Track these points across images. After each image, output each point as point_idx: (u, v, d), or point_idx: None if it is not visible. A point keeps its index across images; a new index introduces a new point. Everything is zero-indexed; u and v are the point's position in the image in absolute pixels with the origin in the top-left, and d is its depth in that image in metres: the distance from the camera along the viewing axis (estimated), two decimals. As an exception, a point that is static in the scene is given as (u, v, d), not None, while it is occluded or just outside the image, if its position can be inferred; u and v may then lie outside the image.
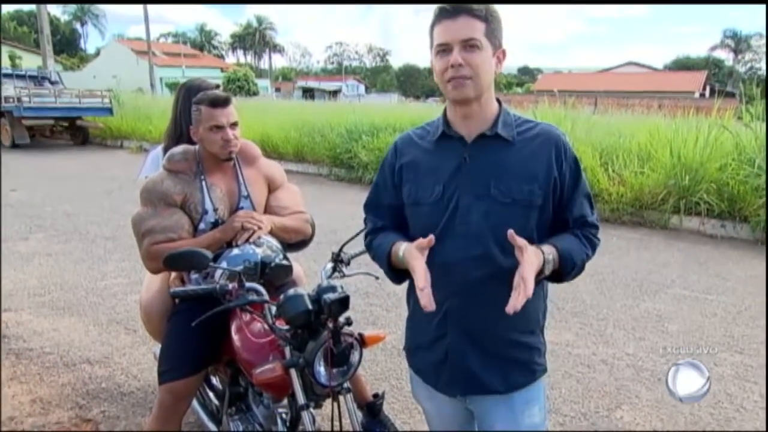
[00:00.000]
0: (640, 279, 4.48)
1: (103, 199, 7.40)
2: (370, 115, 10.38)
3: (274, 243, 1.87)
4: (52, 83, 14.88)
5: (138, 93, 19.35)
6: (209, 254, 1.56)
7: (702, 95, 29.36)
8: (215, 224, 1.88)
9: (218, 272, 1.70)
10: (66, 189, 8.12)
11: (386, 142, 8.69)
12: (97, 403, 2.63)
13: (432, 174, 1.27)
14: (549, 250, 1.19)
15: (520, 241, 1.12)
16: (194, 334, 1.62)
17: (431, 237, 1.18)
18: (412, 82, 69.68)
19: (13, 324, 3.49)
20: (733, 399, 2.72)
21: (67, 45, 64.77)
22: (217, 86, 2.16)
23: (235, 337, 1.72)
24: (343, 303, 1.42)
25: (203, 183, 1.89)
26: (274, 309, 1.53)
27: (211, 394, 2.21)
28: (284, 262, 1.80)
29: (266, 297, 1.55)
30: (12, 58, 36.07)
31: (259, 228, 1.85)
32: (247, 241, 1.81)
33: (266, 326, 1.59)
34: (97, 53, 52.02)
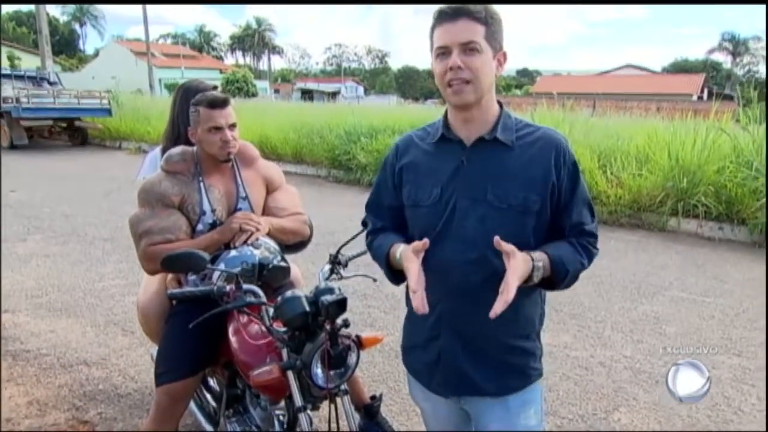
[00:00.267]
0: (638, 281, 4.48)
1: (101, 200, 7.39)
2: (369, 116, 10.39)
3: (272, 244, 1.87)
4: (50, 84, 14.86)
5: (137, 94, 19.35)
6: (207, 256, 1.55)
7: (700, 98, 29.48)
8: (213, 225, 1.88)
9: (216, 274, 1.70)
10: (64, 190, 8.11)
11: (385, 144, 8.70)
12: (94, 404, 2.63)
13: (431, 176, 1.27)
14: (539, 257, 1.18)
15: (507, 247, 1.12)
16: (191, 335, 1.62)
17: (426, 241, 1.18)
18: (411, 84, 69.75)
19: (10, 325, 3.48)
20: (730, 401, 2.72)
21: (66, 46, 64.74)
22: (215, 87, 2.16)
23: (232, 338, 1.72)
24: (341, 305, 1.42)
25: (201, 184, 1.89)
26: (271, 311, 1.53)
27: (208, 396, 2.20)
28: (282, 263, 1.81)
29: (264, 299, 1.55)
30: (11, 58, 36.05)
31: (257, 229, 1.85)
32: (245, 242, 1.81)
33: (263, 328, 1.58)
34: (96, 54, 52.02)
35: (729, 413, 2.64)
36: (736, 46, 57.53)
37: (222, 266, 1.69)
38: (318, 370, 1.47)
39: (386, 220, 1.40)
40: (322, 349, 1.45)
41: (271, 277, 1.76)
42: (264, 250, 1.80)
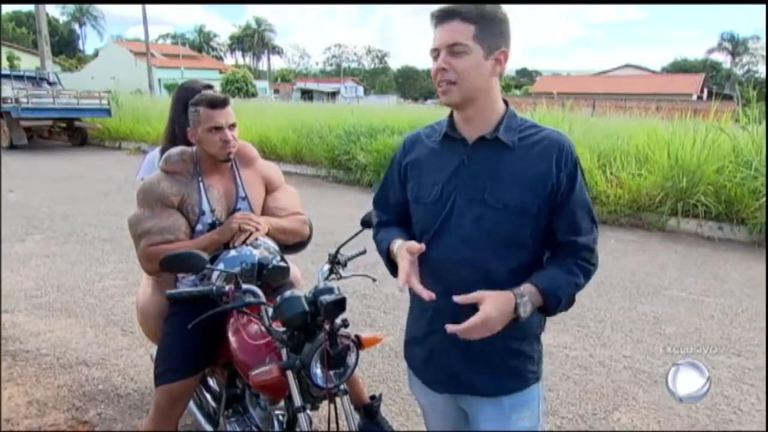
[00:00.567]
0: (637, 281, 4.48)
1: (101, 200, 7.39)
2: (369, 116, 10.39)
3: (272, 244, 1.87)
4: (50, 84, 14.86)
5: (136, 94, 19.34)
6: (206, 256, 1.55)
7: (699, 98, 29.49)
8: (212, 225, 1.88)
9: (215, 274, 1.70)
10: (64, 190, 8.11)
11: (384, 144, 8.70)
12: (93, 404, 2.63)
13: (433, 173, 1.28)
14: (525, 290, 1.18)
15: (473, 297, 1.15)
16: (191, 335, 1.62)
17: (422, 246, 1.21)
18: (410, 84, 69.77)
19: (10, 325, 3.47)
20: (730, 401, 2.72)
21: (66, 46, 64.75)
22: (209, 86, 2.15)
23: (231, 338, 1.72)
24: (340, 305, 1.42)
25: (200, 184, 1.88)
26: (270, 311, 1.53)
27: (208, 396, 2.20)
28: (281, 263, 1.80)
29: (263, 299, 1.55)
30: (10, 58, 36.05)
31: (257, 229, 1.84)
32: (244, 242, 1.81)
33: (263, 328, 1.59)
34: (96, 54, 52.00)
35: (728, 413, 2.64)
36: (736, 46, 57.57)
37: (221, 266, 1.69)
38: (317, 370, 1.47)
39: (392, 215, 1.43)
40: (321, 349, 1.45)
41: (271, 277, 1.75)
42: (263, 250, 1.80)
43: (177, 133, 2.13)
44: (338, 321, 1.45)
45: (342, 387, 1.56)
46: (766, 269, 4.56)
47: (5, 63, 31.20)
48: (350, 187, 8.84)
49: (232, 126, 1.86)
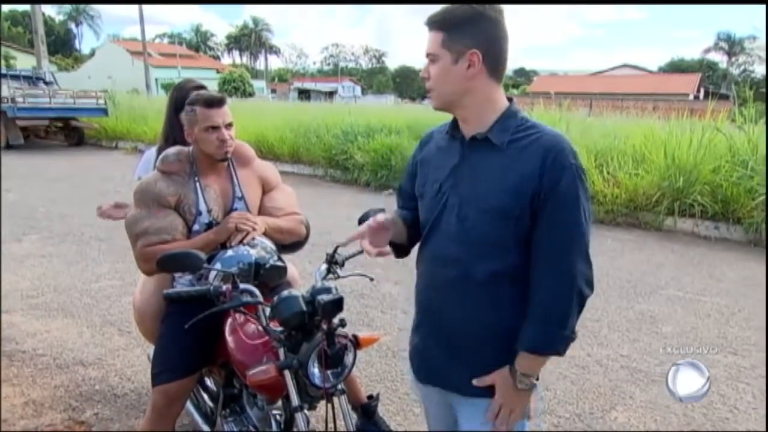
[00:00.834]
0: (634, 280, 4.50)
1: (97, 200, 7.34)
2: (366, 116, 10.38)
3: (269, 244, 1.87)
4: (46, 83, 14.81)
5: (133, 94, 19.30)
6: (203, 255, 1.55)
7: (696, 97, 29.57)
8: (209, 225, 1.87)
9: (212, 273, 1.70)
10: (60, 190, 8.08)
11: (382, 144, 8.70)
12: (90, 405, 2.62)
13: (436, 171, 1.31)
14: (518, 364, 1.20)
15: (489, 380, 1.22)
16: (188, 335, 1.61)
17: (387, 218, 1.27)
18: (408, 84, 69.76)
19: (6, 326, 3.46)
20: (726, 400, 2.74)
21: (62, 45, 64.50)
22: (201, 87, 2.15)
23: (229, 338, 1.72)
24: (338, 304, 1.42)
25: (197, 184, 1.88)
26: (268, 310, 1.52)
27: (205, 396, 2.20)
28: (278, 263, 1.80)
29: (260, 298, 1.54)
30: (6, 58, 35.85)
31: (254, 229, 1.84)
32: (241, 242, 1.81)
33: (260, 328, 1.58)
34: (92, 54, 51.85)
35: (724, 411, 2.65)
36: (732, 46, 57.76)
37: (218, 266, 1.68)
38: (315, 370, 1.47)
39: (406, 203, 1.47)
40: (318, 349, 1.45)
41: (268, 277, 1.75)
42: (260, 249, 1.80)
43: (170, 133, 2.15)
44: (336, 320, 1.45)
45: (339, 387, 1.56)
46: (766, 270, 4.56)
47: (1, 62, 31.06)
48: (348, 187, 8.84)
49: (228, 125, 1.85)
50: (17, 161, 10.92)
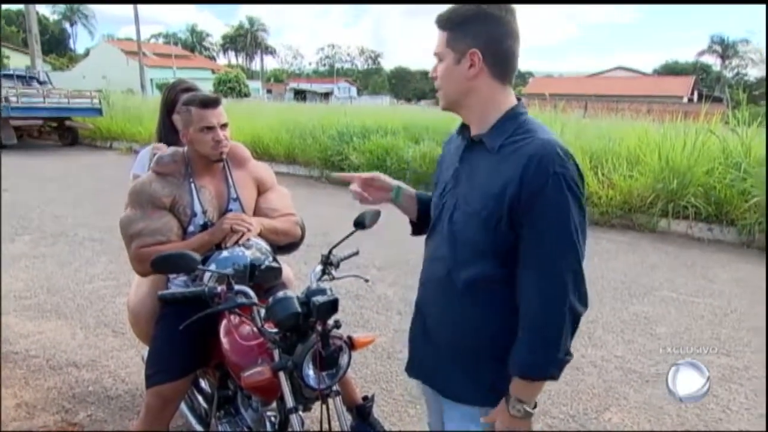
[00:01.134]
0: (628, 282, 4.52)
1: (91, 200, 7.33)
2: (362, 117, 10.39)
3: (264, 245, 1.86)
4: (40, 83, 14.73)
5: (128, 94, 19.22)
6: (198, 257, 1.55)
7: (690, 100, 29.76)
8: (204, 226, 1.87)
9: (207, 275, 1.69)
10: (54, 190, 8.04)
11: (377, 145, 8.70)
12: (83, 406, 2.60)
13: (446, 170, 1.32)
14: (511, 389, 1.15)
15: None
16: (182, 337, 1.61)
17: (383, 180, 1.41)
18: (404, 85, 69.84)
19: (-1, 327, 3.44)
20: (719, 400, 2.75)
21: (56, 45, 64.15)
22: (189, 89, 2.16)
23: (223, 340, 1.72)
24: (333, 306, 1.42)
25: (192, 185, 1.88)
26: (263, 312, 1.52)
27: (199, 398, 2.19)
28: (274, 264, 1.80)
29: (255, 300, 1.54)
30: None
31: (249, 230, 1.84)
32: (236, 243, 1.81)
33: (255, 329, 1.58)
34: (87, 53, 51.59)
35: (717, 411, 2.66)
36: (725, 49, 58.13)
37: (213, 267, 1.68)
38: (309, 371, 1.47)
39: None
40: (313, 350, 1.44)
41: (263, 278, 1.75)
42: (255, 250, 1.80)
43: (162, 134, 2.17)
44: (331, 322, 1.45)
45: (334, 388, 1.56)
46: (766, 272, 4.59)
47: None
48: (343, 188, 8.77)
49: (224, 126, 1.85)
50: (10, 161, 10.84)
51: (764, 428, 2.54)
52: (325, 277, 1.75)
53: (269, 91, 47.28)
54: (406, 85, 69.36)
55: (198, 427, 2.12)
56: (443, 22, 1.18)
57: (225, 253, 1.75)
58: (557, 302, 1.09)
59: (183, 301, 1.52)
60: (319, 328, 1.44)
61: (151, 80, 30.69)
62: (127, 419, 2.49)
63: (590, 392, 2.82)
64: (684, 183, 6.11)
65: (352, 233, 1.74)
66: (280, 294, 1.47)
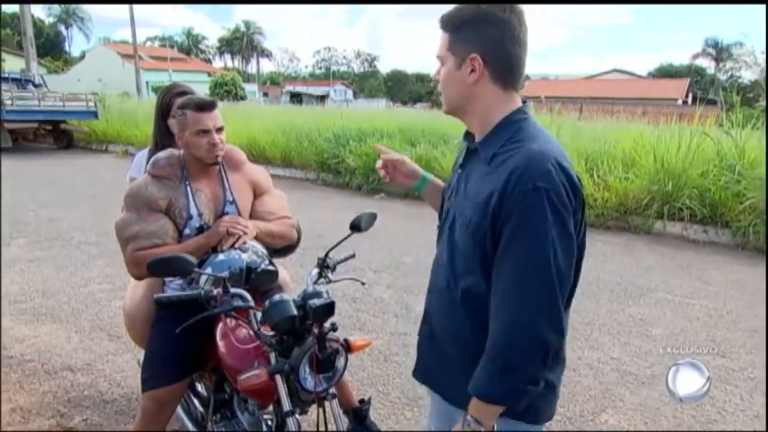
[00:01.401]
0: (624, 284, 4.53)
1: (87, 203, 7.31)
2: (358, 120, 10.40)
3: (260, 248, 1.86)
4: (35, 86, 14.69)
5: (124, 97, 19.19)
6: (194, 260, 1.54)
7: (685, 102, 29.90)
8: (200, 229, 1.87)
9: (203, 278, 1.69)
10: (49, 194, 8.00)
11: (373, 148, 8.68)
12: (79, 411, 2.59)
13: (453, 176, 1.31)
14: (470, 406, 1.09)
15: None
16: (178, 340, 1.61)
17: (409, 165, 1.44)
18: (400, 88, 69.94)
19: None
20: (714, 401, 2.76)
21: (52, 48, 63.90)
22: (184, 93, 2.16)
23: (220, 343, 1.71)
24: (329, 308, 1.42)
25: (188, 188, 1.88)
26: (259, 315, 1.52)
27: (195, 401, 2.19)
28: (270, 267, 1.80)
29: (251, 303, 1.54)
30: (-6, 60, 35.48)
31: (244, 233, 1.84)
32: (232, 246, 1.80)
33: (251, 332, 1.58)
34: (82, 56, 51.48)
35: (713, 413, 2.67)
36: (720, 52, 58.53)
37: (209, 270, 1.68)
38: (306, 374, 1.46)
39: None
40: (310, 353, 1.44)
41: (259, 281, 1.75)
42: (252, 253, 1.80)
43: (158, 137, 2.17)
44: (327, 325, 1.45)
45: (331, 391, 1.56)
46: (766, 273, 4.60)
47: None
48: (339, 191, 8.83)
49: (219, 129, 1.85)
50: (5, 164, 10.77)
51: (763, 429, 2.55)
52: (322, 280, 1.76)
53: (265, 94, 47.30)
54: (402, 88, 69.48)
55: (194, 431, 2.11)
56: (445, 24, 1.14)
57: (221, 257, 1.75)
58: (521, 329, 1.02)
59: (179, 305, 1.52)
60: (316, 331, 1.44)
61: (147, 83, 30.66)
62: (122, 423, 2.48)
63: (586, 394, 2.83)
64: (679, 185, 6.14)
65: (348, 236, 1.74)
66: (277, 297, 1.47)
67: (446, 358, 1.26)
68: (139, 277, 1.87)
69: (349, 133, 9.44)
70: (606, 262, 5.10)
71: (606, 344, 3.41)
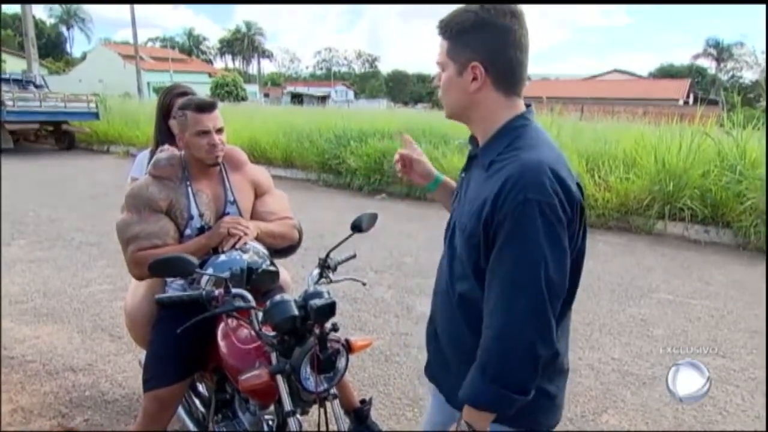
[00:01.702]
0: (625, 284, 4.53)
1: (88, 204, 7.32)
2: (359, 120, 10.40)
3: (261, 249, 1.86)
4: (36, 87, 14.69)
5: (125, 97, 19.21)
6: (195, 260, 1.55)
7: (686, 102, 29.90)
8: (201, 230, 1.87)
9: (204, 278, 1.69)
10: (50, 194, 8.02)
11: (374, 148, 8.71)
12: (80, 411, 2.59)
13: (459, 179, 1.31)
14: (463, 411, 1.09)
15: None
16: (180, 340, 1.61)
17: (415, 160, 1.44)
18: (401, 88, 69.97)
19: (-5, 331, 3.42)
20: (716, 402, 2.76)
21: (53, 48, 64.03)
22: (184, 93, 2.17)
23: (221, 343, 1.71)
24: (330, 309, 1.42)
25: (189, 188, 1.88)
26: (260, 315, 1.52)
27: (197, 401, 2.19)
28: (271, 267, 1.80)
29: (253, 303, 1.54)
30: (-5, 61, 35.54)
31: (245, 234, 1.84)
32: (233, 246, 1.81)
33: (252, 332, 1.58)
34: (84, 57, 51.62)
35: (714, 413, 2.67)
36: (721, 52, 58.52)
37: (210, 270, 1.68)
38: (307, 375, 1.47)
39: None
40: (311, 353, 1.45)
41: (260, 282, 1.75)
42: (253, 254, 1.80)
43: (159, 138, 2.18)
44: (328, 325, 1.45)
45: (332, 391, 1.56)
46: (766, 274, 4.59)
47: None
48: (341, 191, 8.84)
49: (219, 130, 1.85)
50: (6, 165, 10.80)
51: (763, 429, 2.55)
52: (323, 280, 1.76)
53: (266, 95, 47.36)
54: (403, 89, 69.51)
55: (195, 431, 2.11)
56: (444, 30, 1.13)
57: (222, 257, 1.76)
58: (509, 339, 1.02)
59: (180, 305, 1.52)
60: (317, 331, 1.44)
61: (148, 84, 30.69)
62: (124, 424, 2.49)
63: (587, 395, 2.83)
64: (680, 185, 6.13)
65: (349, 236, 1.75)
66: (278, 297, 1.47)
67: (447, 360, 1.27)
68: (140, 278, 1.88)
69: (350, 134, 9.44)
70: (607, 263, 5.10)
71: (607, 345, 3.41)
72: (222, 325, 1.75)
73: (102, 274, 4.56)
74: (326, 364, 1.47)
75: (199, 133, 1.82)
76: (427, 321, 1.38)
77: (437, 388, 1.33)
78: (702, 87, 51.45)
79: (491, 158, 1.11)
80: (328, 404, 1.57)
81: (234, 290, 1.53)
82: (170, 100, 2.18)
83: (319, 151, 9.50)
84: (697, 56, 60.91)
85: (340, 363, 1.53)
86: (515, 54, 1.10)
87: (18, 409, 2.60)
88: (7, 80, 14.21)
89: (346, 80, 70.33)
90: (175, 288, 1.95)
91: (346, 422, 1.74)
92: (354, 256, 1.92)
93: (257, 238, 1.90)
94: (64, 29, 69.60)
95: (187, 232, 1.87)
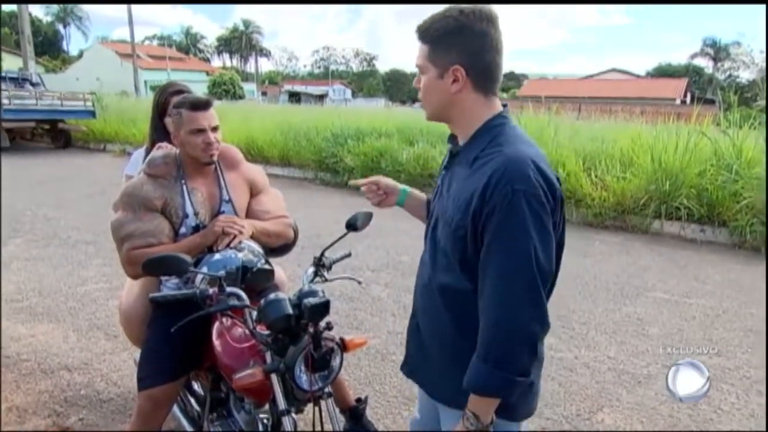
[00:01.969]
0: (621, 283, 4.54)
1: (84, 203, 7.30)
2: (356, 119, 10.40)
3: (256, 247, 1.86)
4: (33, 85, 14.64)
5: (122, 96, 19.16)
6: (190, 259, 1.54)
7: (683, 102, 29.96)
8: (196, 229, 1.87)
9: (199, 277, 1.69)
10: (46, 193, 7.99)
11: (372, 147, 8.70)
12: (75, 410, 2.59)
13: (439, 176, 1.34)
14: (469, 402, 1.11)
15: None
16: (174, 339, 1.60)
17: (387, 184, 1.50)
18: (398, 87, 69.93)
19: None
20: (711, 401, 2.77)
21: (49, 47, 63.78)
22: (180, 91, 2.17)
23: (215, 342, 1.71)
24: (324, 307, 1.42)
25: (184, 187, 1.87)
26: (255, 314, 1.52)
27: (192, 400, 2.18)
28: (266, 266, 1.80)
29: (247, 302, 1.54)
30: (-8, 59, 35.35)
31: (240, 233, 1.84)
32: (228, 245, 1.80)
33: (247, 331, 1.58)
34: (80, 55, 51.41)
35: (709, 412, 2.68)
36: (717, 51, 58.65)
37: (205, 269, 1.68)
38: (301, 373, 1.47)
39: None
40: (305, 352, 1.44)
41: (255, 280, 1.75)
42: (247, 253, 1.79)
43: (154, 136, 2.18)
44: (323, 324, 1.45)
45: (327, 390, 1.56)
46: (766, 274, 4.61)
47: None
48: (337, 190, 8.83)
49: (214, 128, 1.85)
50: (2, 164, 10.75)
51: (760, 428, 2.56)
52: (318, 279, 1.76)
53: (264, 94, 47.30)
54: (401, 88, 69.44)
55: (190, 430, 2.11)
56: (423, 35, 1.16)
57: (217, 256, 1.75)
58: (509, 323, 1.07)
59: (175, 304, 1.52)
60: (311, 329, 1.44)
61: (146, 82, 30.65)
62: (119, 422, 2.48)
63: (583, 393, 2.83)
64: (676, 184, 6.14)
65: (344, 235, 1.74)
66: (272, 296, 1.47)
67: (428, 353, 1.29)
68: (134, 277, 1.87)
69: (347, 133, 9.44)
70: (603, 262, 5.11)
71: (603, 343, 3.42)
72: (216, 324, 1.75)
73: (98, 272, 4.55)
74: (320, 362, 1.47)
75: (194, 132, 1.81)
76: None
77: (417, 383, 1.35)
78: (699, 86, 51.57)
79: (475, 154, 1.16)
80: (322, 403, 1.57)
81: (228, 289, 1.53)
82: (166, 99, 2.18)
83: (316, 149, 9.49)
84: (694, 56, 61.09)
85: (335, 362, 1.53)
86: (493, 56, 1.15)
87: (13, 408, 2.59)
88: (4, 78, 14.14)
89: (343, 79, 70.29)
90: (169, 287, 1.95)
91: (341, 421, 1.75)
92: (349, 255, 1.92)
93: (252, 237, 1.89)
94: (60, 27, 69.32)
95: (182, 230, 1.86)
